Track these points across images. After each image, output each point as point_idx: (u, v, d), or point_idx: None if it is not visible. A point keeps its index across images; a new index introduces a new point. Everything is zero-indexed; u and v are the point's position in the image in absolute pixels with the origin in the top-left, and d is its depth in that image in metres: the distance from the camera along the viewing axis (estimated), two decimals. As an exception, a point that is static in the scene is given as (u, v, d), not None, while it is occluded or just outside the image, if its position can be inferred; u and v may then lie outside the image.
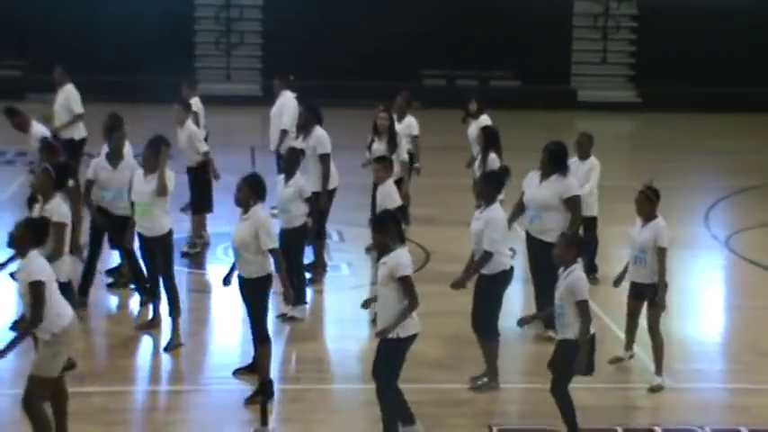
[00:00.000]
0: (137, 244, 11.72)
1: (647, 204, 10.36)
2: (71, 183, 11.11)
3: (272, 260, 9.98)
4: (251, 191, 9.91)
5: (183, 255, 13.99)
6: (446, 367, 10.71)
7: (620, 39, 31.37)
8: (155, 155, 11.34)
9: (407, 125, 15.26)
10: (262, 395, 9.89)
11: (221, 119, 22.02)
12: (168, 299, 11.36)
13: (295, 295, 11.92)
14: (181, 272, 12.73)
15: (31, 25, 27.27)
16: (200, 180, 14.32)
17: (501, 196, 10.76)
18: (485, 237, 10.01)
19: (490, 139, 13.42)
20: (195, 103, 15.82)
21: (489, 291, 10.15)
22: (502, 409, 10.10)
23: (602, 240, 13.51)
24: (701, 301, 13.79)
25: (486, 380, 10.25)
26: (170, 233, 11.50)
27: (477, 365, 10.39)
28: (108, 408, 9.81)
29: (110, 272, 13.19)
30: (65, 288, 9.52)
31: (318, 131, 13.46)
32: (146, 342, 11.64)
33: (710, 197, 19.09)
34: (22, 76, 27.30)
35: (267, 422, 9.58)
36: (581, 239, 9.75)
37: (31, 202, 11.29)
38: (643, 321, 10.66)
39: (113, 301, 12.90)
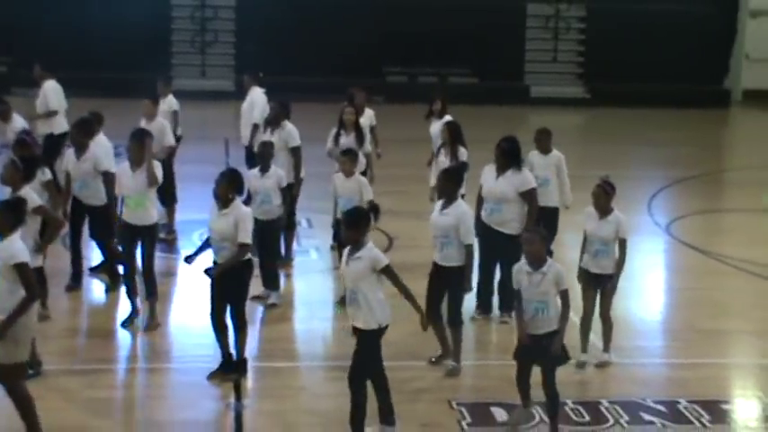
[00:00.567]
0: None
1: (605, 198, 10.21)
2: (47, 176, 10.98)
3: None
4: (230, 185, 9.79)
5: (161, 240, 13.93)
6: (405, 348, 10.50)
7: (569, 39, 31.47)
8: (140, 148, 11.09)
9: (368, 117, 15.19)
10: (237, 372, 9.87)
11: (197, 112, 21.97)
12: (147, 282, 11.19)
13: (272, 282, 11.95)
14: (158, 256, 12.60)
15: (17, 23, 27.00)
16: (167, 173, 14.23)
17: (462, 191, 10.75)
18: (462, 231, 9.91)
19: (455, 134, 13.27)
20: (170, 100, 15.78)
21: (462, 281, 10.10)
22: (460, 385, 10.13)
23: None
24: (644, 283, 13.87)
25: (454, 363, 10.20)
26: (157, 222, 11.35)
27: (434, 346, 10.40)
28: (89, 385, 9.77)
29: (93, 269, 13.07)
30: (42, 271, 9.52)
31: (288, 125, 13.41)
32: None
33: (652, 186, 19.20)
34: (8, 72, 27.06)
35: (241, 397, 9.59)
36: (547, 233, 9.53)
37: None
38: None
39: (96, 285, 12.80)
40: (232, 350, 9.96)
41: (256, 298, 11.83)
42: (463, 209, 10.09)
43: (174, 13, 30.11)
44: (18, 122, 14.15)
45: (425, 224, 10.50)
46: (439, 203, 10.24)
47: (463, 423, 9.14)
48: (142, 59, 25.50)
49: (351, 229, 8.55)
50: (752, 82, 31.32)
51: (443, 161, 12.88)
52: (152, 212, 11.18)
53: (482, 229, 11.26)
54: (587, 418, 9.37)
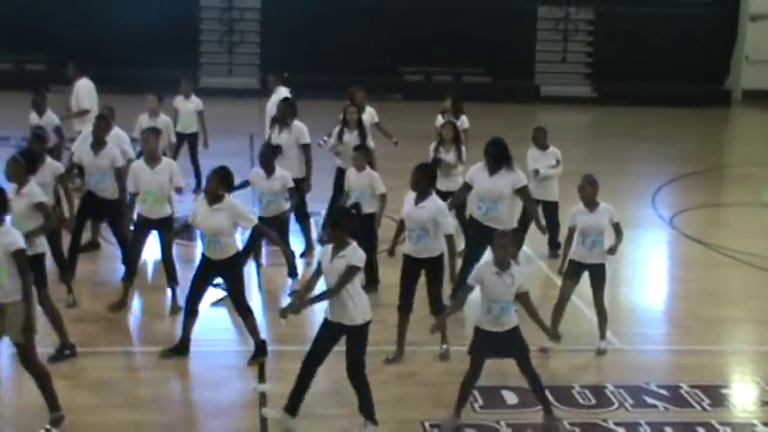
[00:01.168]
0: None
1: (591, 190, 10.09)
2: (60, 169, 10.97)
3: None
4: (220, 182, 9.64)
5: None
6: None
7: (578, 40, 31.35)
8: (157, 146, 11.13)
9: (369, 114, 15.05)
10: (260, 356, 9.82)
11: (223, 109, 21.98)
12: (168, 269, 11.14)
13: (290, 270, 11.84)
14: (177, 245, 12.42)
15: (54, 23, 27.09)
16: None
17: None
18: (441, 223, 9.71)
19: (457, 133, 13.15)
20: (195, 99, 15.77)
21: (443, 271, 9.93)
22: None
23: (565, 220, 13.43)
24: (648, 273, 13.81)
25: (446, 346, 10.07)
26: (172, 214, 11.25)
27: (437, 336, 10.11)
28: (111, 366, 9.76)
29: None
30: (42, 259, 9.47)
31: (298, 124, 13.17)
32: (147, 307, 11.49)
33: (657, 181, 19.11)
34: (46, 70, 27.11)
35: (265, 379, 9.52)
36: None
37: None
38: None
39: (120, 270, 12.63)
40: (189, 336, 9.86)
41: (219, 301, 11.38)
42: (439, 203, 9.87)
43: (202, 15, 30.14)
44: (51, 117, 14.06)
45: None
46: (412, 198, 9.91)
47: (475, 405, 9.09)
48: (172, 58, 25.48)
49: (335, 228, 8.37)
50: (751, 82, 31.26)
51: (446, 157, 12.80)
52: (168, 206, 11.12)
53: (476, 227, 11.00)
54: (594, 401, 9.32)
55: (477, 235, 10.94)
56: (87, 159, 11.78)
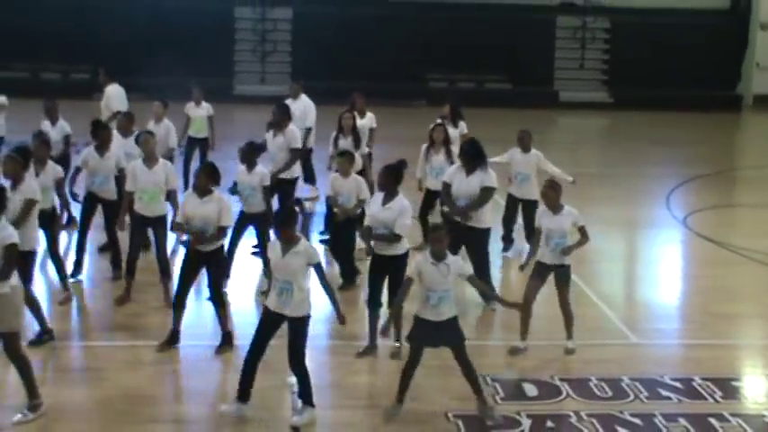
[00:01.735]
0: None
1: (553, 194, 9.92)
2: (60, 174, 10.92)
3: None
4: (209, 177, 9.76)
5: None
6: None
7: (595, 48, 31.30)
8: (154, 147, 11.16)
9: (369, 119, 14.82)
10: (227, 346, 9.80)
11: (257, 115, 21.94)
12: (161, 265, 11.12)
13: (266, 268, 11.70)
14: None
15: (98, 34, 27.28)
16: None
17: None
18: (398, 223, 9.63)
19: (447, 136, 13.13)
20: (206, 105, 15.80)
21: (405, 268, 9.51)
22: (493, 362, 9.99)
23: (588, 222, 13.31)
24: (662, 271, 13.73)
25: (398, 344, 9.80)
26: (167, 213, 11.21)
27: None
28: (108, 358, 9.70)
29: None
30: (32, 256, 9.53)
31: (292, 128, 13.06)
32: (140, 301, 11.27)
33: (671, 183, 19.01)
34: (90, 79, 27.28)
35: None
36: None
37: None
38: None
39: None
40: (180, 328, 9.82)
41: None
42: (405, 203, 9.79)
43: (237, 26, 30.27)
44: (63, 127, 13.72)
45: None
46: (379, 198, 9.85)
47: (497, 397, 9.07)
48: (207, 67, 25.58)
49: (284, 226, 8.31)
50: (762, 88, 31.13)
51: (437, 160, 12.88)
52: (163, 205, 11.13)
53: (452, 225, 10.61)
54: (610, 393, 9.27)
55: (452, 232, 10.65)
56: (93, 161, 11.83)
